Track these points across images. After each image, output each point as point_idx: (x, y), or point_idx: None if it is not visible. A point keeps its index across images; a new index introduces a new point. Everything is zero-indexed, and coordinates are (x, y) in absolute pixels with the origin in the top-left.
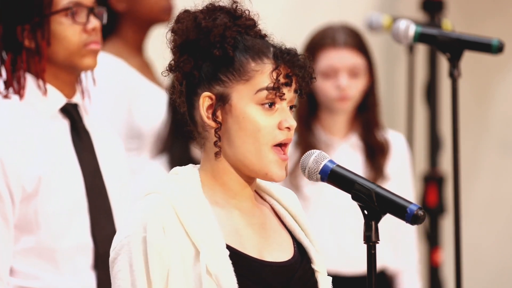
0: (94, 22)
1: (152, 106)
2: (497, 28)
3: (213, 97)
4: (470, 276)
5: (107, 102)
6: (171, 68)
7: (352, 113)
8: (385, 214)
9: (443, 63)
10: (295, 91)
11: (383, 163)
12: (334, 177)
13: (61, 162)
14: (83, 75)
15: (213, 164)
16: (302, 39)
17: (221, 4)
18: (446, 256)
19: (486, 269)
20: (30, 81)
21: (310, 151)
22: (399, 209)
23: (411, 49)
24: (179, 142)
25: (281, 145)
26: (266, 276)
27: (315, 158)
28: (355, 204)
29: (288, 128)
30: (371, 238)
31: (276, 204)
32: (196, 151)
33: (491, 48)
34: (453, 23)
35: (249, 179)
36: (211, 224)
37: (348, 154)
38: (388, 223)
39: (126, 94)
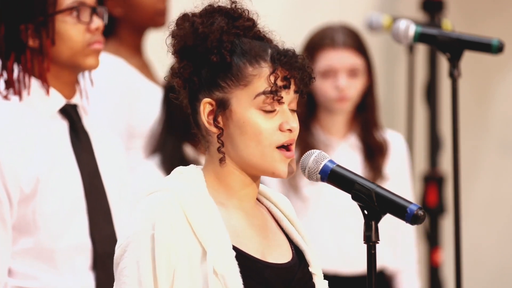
0: (97, 22)
1: (152, 106)
2: (497, 28)
3: (214, 103)
4: (470, 276)
5: (109, 102)
6: (172, 73)
7: (351, 113)
8: (385, 214)
9: (443, 63)
10: (295, 92)
11: (382, 163)
12: (334, 177)
13: (59, 163)
14: (81, 76)
15: (217, 166)
16: (302, 39)
17: (220, 4)
18: (446, 256)
19: (486, 269)
20: (31, 81)
21: (310, 151)
22: (399, 209)
23: (411, 49)
24: (172, 141)
25: (285, 146)
26: (269, 277)
27: (315, 158)
28: (354, 204)
29: (290, 130)
30: (371, 238)
31: (273, 207)
32: (188, 151)
33: (491, 48)
34: (453, 23)
35: (254, 179)
36: (218, 224)
37: (347, 154)
38: (388, 223)
39: (128, 94)
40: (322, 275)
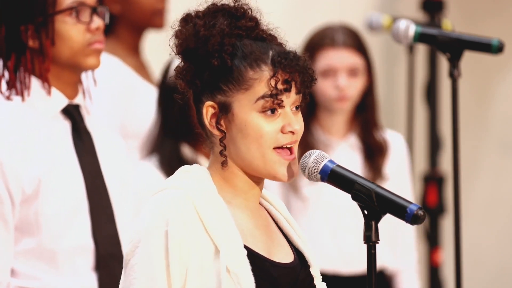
0: (97, 22)
1: (147, 106)
2: (497, 28)
3: (216, 106)
4: (470, 276)
5: (103, 101)
6: (176, 74)
7: (351, 113)
8: (385, 214)
9: (443, 63)
10: (297, 93)
11: (382, 163)
12: (334, 177)
13: (61, 163)
14: (83, 75)
15: (221, 167)
16: (302, 39)
17: (223, 3)
18: (446, 256)
19: (486, 269)
20: (32, 81)
21: (310, 151)
22: (399, 209)
23: (411, 49)
24: (169, 142)
25: (286, 147)
26: (277, 276)
27: (315, 158)
28: (354, 204)
29: (292, 132)
30: (371, 238)
31: (272, 209)
32: (186, 151)
33: (491, 48)
34: (453, 23)
35: (258, 179)
36: (229, 223)
37: (346, 154)
38: (388, 223)
39: (123, 94)
40: (320, 277)
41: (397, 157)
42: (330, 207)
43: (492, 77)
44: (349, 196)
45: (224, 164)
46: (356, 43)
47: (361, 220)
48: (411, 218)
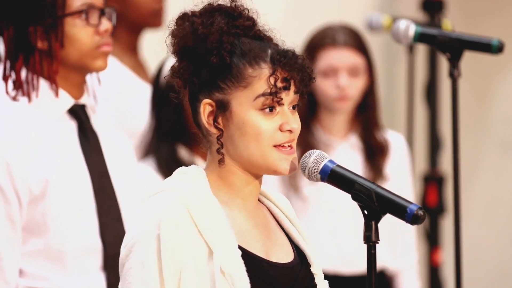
0: (106, 24)
1: (144, 106)
2: (497, 28)
3: (213, 104)
4: (470, 276)
5: (102, 100)
6: (172, 73)
7: (352, 113)
8: (385, 214)
9: (443, 63)
10: (296, 92)
11: (383, 163)
12: (334, 177)
13: (68, 164)
14: (88, 74)
15: (218, 165)
16: (302, 39)
17: (220, 3)
18: (446, 256)
19: (486, 269)
20: (40, 83)
21: (310, 151)
22: (399, 209)
23: (411, 49)
24: (165, 143)
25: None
26: (275, 276)
27: (315, 158)
28: (354, 204)
29: (290, 130)
30: (371, 238)
31: (273, 207)
32: (182, 152)
33: (491, 48)
34: (453, 23)
35: (256, 177)
36: (223, 224)
37: (347, 154)
38: (388, 223)
39: (121, 93)
40: (323, 275)
41: (398, 157)
42: (330, 207)
43: (492, 77)
44: (349, 196)
45: (221, 162)
46: (357, 43)
47: (361, 220)
48: (411, 218)
